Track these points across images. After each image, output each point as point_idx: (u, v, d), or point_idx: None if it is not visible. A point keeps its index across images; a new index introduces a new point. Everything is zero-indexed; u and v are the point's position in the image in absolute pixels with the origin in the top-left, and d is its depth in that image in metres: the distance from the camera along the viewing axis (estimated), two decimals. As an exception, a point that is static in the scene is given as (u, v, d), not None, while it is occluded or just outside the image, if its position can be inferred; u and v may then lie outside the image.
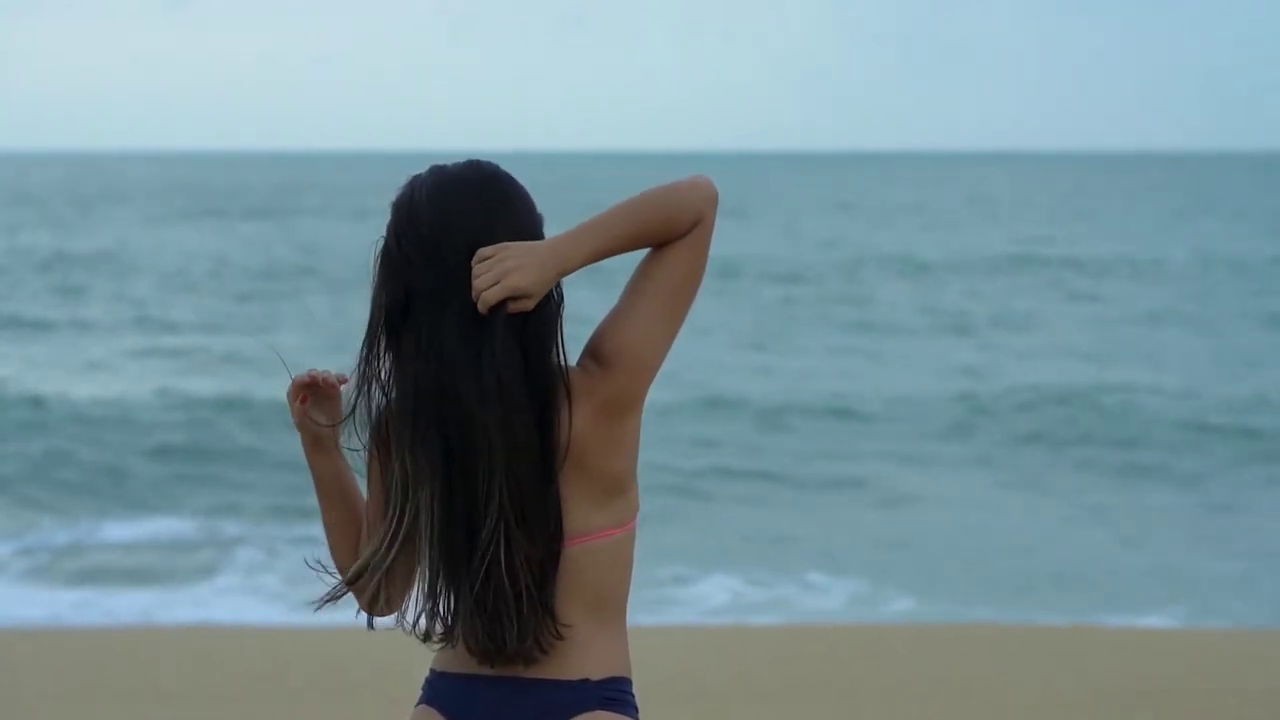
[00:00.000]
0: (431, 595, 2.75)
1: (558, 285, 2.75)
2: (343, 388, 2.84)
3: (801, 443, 19.52)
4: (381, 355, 2.76)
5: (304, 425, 2.87)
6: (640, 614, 10.78)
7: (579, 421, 2.73)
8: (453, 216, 2.71)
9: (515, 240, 2.71)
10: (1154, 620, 11.63)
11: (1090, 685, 8.48)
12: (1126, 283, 41.48)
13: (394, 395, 2.75)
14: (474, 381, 2.67)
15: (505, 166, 2.84)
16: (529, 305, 2.69)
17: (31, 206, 78.17)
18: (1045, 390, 23.09)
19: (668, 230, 2.74)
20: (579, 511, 2.75)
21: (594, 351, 2.77)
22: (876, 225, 66.03)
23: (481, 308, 2.68)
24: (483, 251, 2.69)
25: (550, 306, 2.74)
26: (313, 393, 2.86)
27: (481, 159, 2.81)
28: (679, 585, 12.58)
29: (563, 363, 2.75)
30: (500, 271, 2.67)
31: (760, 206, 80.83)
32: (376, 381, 2.76)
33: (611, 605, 2.81)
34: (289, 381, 2.87)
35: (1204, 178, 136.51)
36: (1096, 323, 32.76)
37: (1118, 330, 31.37)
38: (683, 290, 2.77)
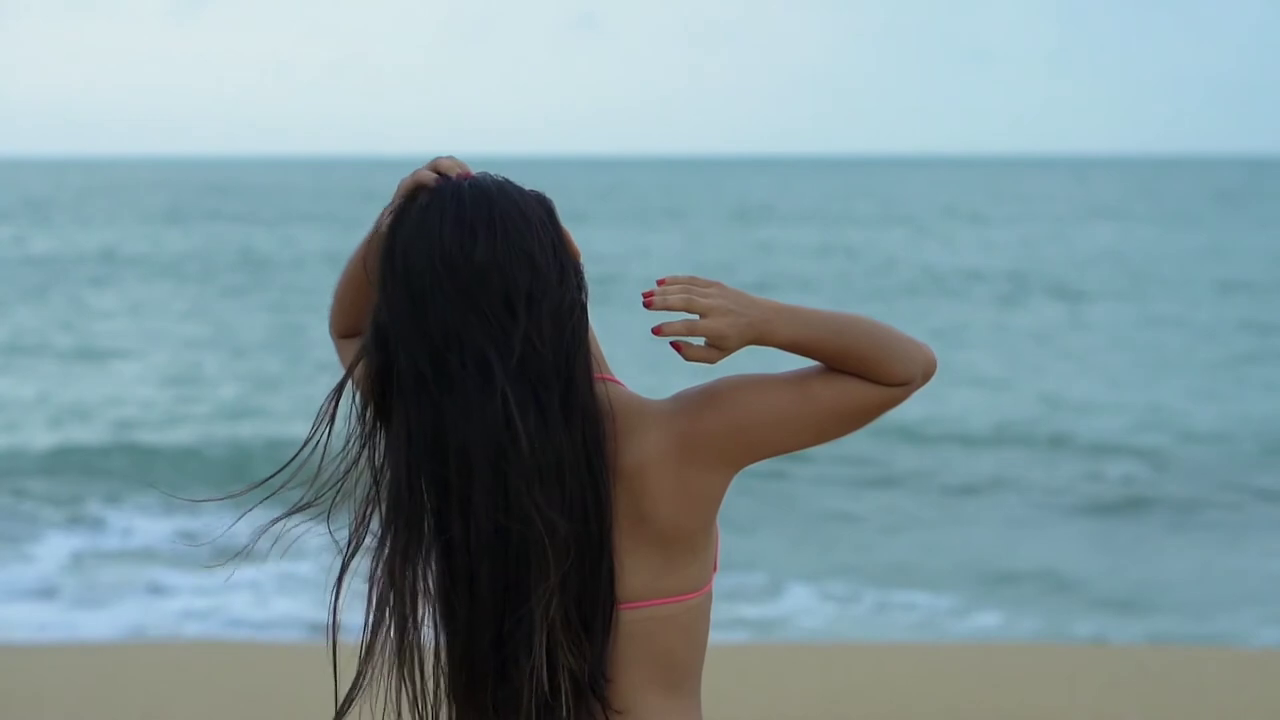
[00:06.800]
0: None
1: (583, 285, 2.36)
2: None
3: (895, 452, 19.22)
4: (375, 435, 2.36)
5: (415, 175, 2.39)
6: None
7: (645, 450, 2.33)
8: (432, 283, 2.28)
9: (509, 272, 2.28)
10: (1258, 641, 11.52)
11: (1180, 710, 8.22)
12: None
13: (385, 482, 2.35)
14: (510, 456, 2.27)
15: (516, 171, 2.46)
16: (716, 359, 2.32)
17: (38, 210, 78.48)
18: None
19: (873, 368, 2.34)
20: (646, 570, 2.35)
21: (702, 387, 2.37)
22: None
23: (665, 330, 2.29)
24: (696, 277, 2.32)
25: (574, 317, 2.33)
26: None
27: (459, 182, 2.35)
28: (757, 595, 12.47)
29: (599, 379, 2.36)
30: (710, 306, 2.30)
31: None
32: (369, 463, 2.37)
33: (683, 676, 2.41)
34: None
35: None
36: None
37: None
38: (836, 424, 2.36)
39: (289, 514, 2.41)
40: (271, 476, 2.40)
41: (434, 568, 2.33)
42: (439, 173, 2.38)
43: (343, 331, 2.65)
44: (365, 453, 2.37)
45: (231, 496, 2.47)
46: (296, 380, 25.16)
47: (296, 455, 2.39)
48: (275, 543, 2.42)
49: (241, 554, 2.52)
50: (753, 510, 15.06)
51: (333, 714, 2.43)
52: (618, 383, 2.42)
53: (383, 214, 2.42)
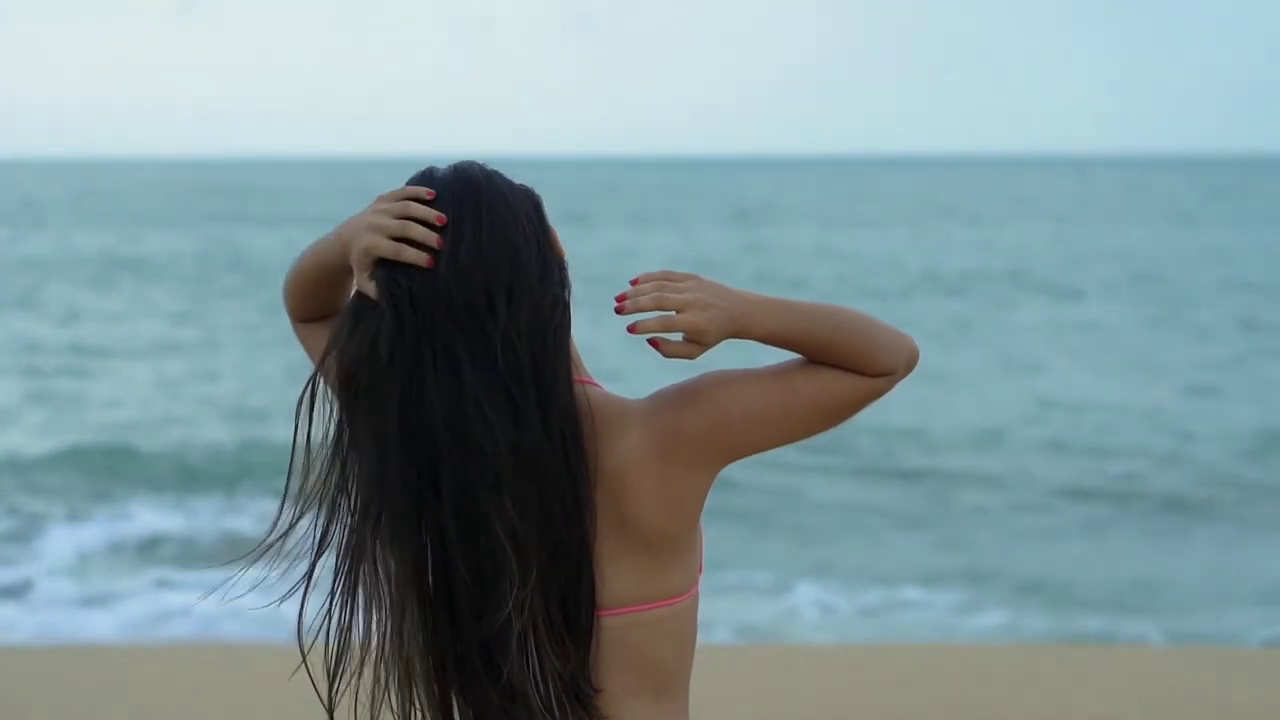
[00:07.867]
0: None
1: (566, 283, 2.31)
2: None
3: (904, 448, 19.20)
4: (343, 428, 2.32)
5: (398, 253, 2.26)
6: (710, 631, 10.57)
7: (626, 451, 2.28)
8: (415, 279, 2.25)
9: (491, 266, 2.24)
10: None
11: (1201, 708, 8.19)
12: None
13: (354, 487, 2.30)
14: (476, 457, 2.23)
15: (514, 171, 2.40)
16: (695, 354, 2.26)
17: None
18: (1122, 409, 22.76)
19: (855, 359, 2.28)
20: (630, 575, 2.29)
21: (682, 384, 2.32)
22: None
23: (640, 328, 2.25)
24: (669, 272, 2.26)
25: (555, 315, 2.28)
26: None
27: (454, 165, 2.33)
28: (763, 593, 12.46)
29: (579, 380, 2.31)
30: (686, 301, 2.24)
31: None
32: (336, 455, 2.33)
33: (671, 682, 2.35)
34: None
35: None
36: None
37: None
38: (820, 418, 2.31)
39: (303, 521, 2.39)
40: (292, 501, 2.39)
41: (410, 562, 2.29)
42: (413, 240, 2.27)
43: (301, 316, 2.59)
44: (337, 446, 2.34)
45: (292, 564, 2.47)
46: (294, 381, 25.12)
47: (292, 467, 2.38)
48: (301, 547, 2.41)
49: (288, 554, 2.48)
50: (757, 510, 15.04)
51: (330, 714, 2.41)
52: (595, 384, 2.37)
53: (347, 232, 2.36)
